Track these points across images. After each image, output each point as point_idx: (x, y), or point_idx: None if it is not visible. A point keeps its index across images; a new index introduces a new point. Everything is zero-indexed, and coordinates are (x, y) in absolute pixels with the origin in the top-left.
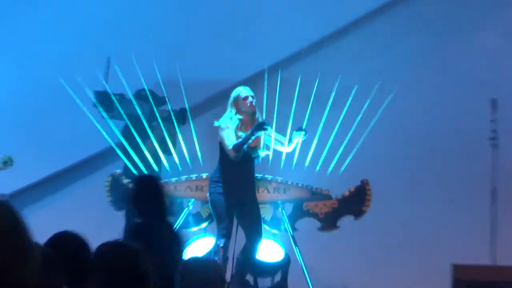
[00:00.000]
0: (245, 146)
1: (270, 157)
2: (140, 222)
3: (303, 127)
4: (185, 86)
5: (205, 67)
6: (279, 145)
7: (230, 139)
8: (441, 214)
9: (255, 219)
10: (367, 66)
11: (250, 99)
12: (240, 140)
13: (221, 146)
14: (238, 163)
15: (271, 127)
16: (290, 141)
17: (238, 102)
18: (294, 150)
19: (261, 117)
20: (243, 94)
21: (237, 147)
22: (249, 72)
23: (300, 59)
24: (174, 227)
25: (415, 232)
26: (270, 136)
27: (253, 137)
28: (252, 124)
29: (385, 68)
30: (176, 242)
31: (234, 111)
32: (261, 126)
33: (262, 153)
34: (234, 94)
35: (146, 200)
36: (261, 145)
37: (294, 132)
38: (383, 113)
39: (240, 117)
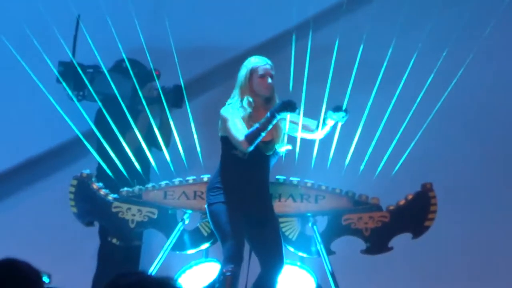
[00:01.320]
0: (264, 133)
1: (297, 150)
2: None
3: (343, 107)
4: (179, 55)
5: (206, 27)
6: (306, 132)
7: (239, 129)
8: None
9: (274, 239)
10: (430, 26)
11: (269, 80)
12: (255, 126)
13: (224, 142)
14: (247, 163)
15: (298, 112)
16: (322, 124)
17: (253, 79)
18: (329, 140)
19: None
20: (260, 70)
21: (252, 137)
22: (266, 35)
23: (339, 17)
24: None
25: (497, 256)
26: (292, 123)
27: (274, 121)
28: (266, 112)
29: (455, 29)
30: None
31: (246, 91)
32: (288, 105)
33: (281, 149)
34: (247, 66)
35: None
36: (280, 137)
37: (330, 112)
38: (452, 93)
39: (251, 99)
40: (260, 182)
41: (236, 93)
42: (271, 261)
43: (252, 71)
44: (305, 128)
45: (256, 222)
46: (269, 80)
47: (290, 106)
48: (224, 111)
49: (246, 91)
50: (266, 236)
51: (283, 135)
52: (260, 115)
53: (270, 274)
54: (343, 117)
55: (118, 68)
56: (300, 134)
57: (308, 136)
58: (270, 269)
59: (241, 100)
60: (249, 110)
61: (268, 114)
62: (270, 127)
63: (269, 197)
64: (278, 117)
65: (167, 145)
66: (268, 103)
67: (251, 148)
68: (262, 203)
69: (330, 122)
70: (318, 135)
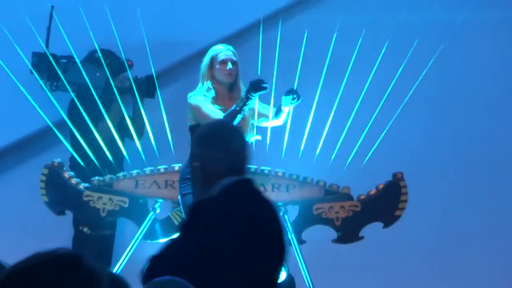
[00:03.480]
0: (241, 115)
1: (268, 140)
2: None
3: (294, 88)
4: (150, 46)
5: (177, 18)
6: (263, 120)
7: (215, 112)
8: (498, 223)
9: None
10: (400, 17)
11: (229, 65)
12: (230, 109)
13: (193, 131)
14: None
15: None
16: (279, 111)
17: (213, 67)
18: (301, 130)
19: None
20: (221, 56)
21: (229, 119)
22: (235, 26)
23: (307, 8)
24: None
25: (464, 246)
26: (260, 114)
27: (249, 103)
28: (232, 99)
29: (427, 19)
30: None
31: (209, 81)
32: (258, 86)
33: (250, 139)
34: (208, 55)
35: None
36: (248, 127)
37: (284, 98)
38: (422, 83)
39: (210, 85)
40: None
41: (200, 81)
42: None
43: (213, 59)
44: (264, 115)
45: None
46: (229, 66)
47: (259, 83)
48: (193, 100)
49: (207, 78)
50: None
51: (251, 125)
52: (224, 103)
53: None
54: (292, 99)
55: (91, 59)
56: (259, 123)
57: (267, 124)
58: None
59: (208, 88)
60: (211, 95)
61: (243, 95)
62: (246, 109)
63: None
64: (253, 97)
65: (140, 135)
66: (232, 91)
67: None
68: None
69: (285, 109)
70: (277, 122)
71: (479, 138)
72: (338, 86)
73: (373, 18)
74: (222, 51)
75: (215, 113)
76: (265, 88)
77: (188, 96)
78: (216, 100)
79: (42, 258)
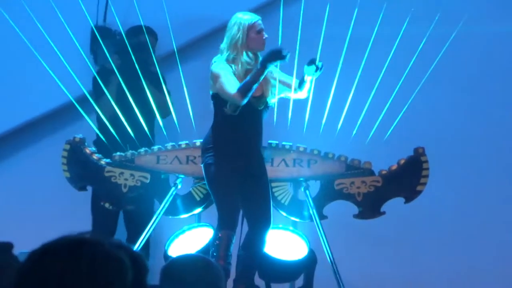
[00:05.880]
0: (256, 85)
1: (289, 115)
2: None
3: (316, 60)
4: (172, 21)
5: None
6: (286, 91)
7: (231, 83)
8: None
9: (263, 198)
10: None
11: (265, 35)
12: (247, 79)
13: (215, 99)
14: (240, 119)
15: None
16: (302, 82)
17: (250, 36)
18: (322, 105)
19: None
20: (257, 26)
21: (244, 89)
22: (257, 0)
23: None
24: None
25: (485, 222)
26: (282, 83)
27: (265, 72)
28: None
29: None
30: None
31: (243, 48)
32: (277, 53)
33: (272, 100)
34: (242, 22)
35: None
36: (270, 90)
37: (305, 67)
38: (444, 57)
39: (251, 55)
40: (253, 137)
41: (226, 49)
42: (259, 221)
43: (249, 28)
44: (287, 85)
45: (248, 178)
46: (266, 35)
47: (278, 53)
48: (215, 67)
49: (242, 47)
50: (256, 194)
51: (273, 88)
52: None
53: (259, 233)
54: (315, 71)
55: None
56: (281, 94)
57: (290, 95)
58: (258, 229)
59: (236, 56)
60: (248, 66)
61: (258, 65)
62: (261, 78)
63: (261, 153)
64: (269, 67)
65: (164, 114)
66: (257, 60)
67: (245, 101)
68: (255, 159)
69: (307, 78)
70: (302, 94)
71: (502, 112)
72: (359, 60)
73: None
74: (256, 20)
75: (231, 84)
76: (283, 57)
77: (213, 60)
78: (248, 72)
79: (74, 240)
